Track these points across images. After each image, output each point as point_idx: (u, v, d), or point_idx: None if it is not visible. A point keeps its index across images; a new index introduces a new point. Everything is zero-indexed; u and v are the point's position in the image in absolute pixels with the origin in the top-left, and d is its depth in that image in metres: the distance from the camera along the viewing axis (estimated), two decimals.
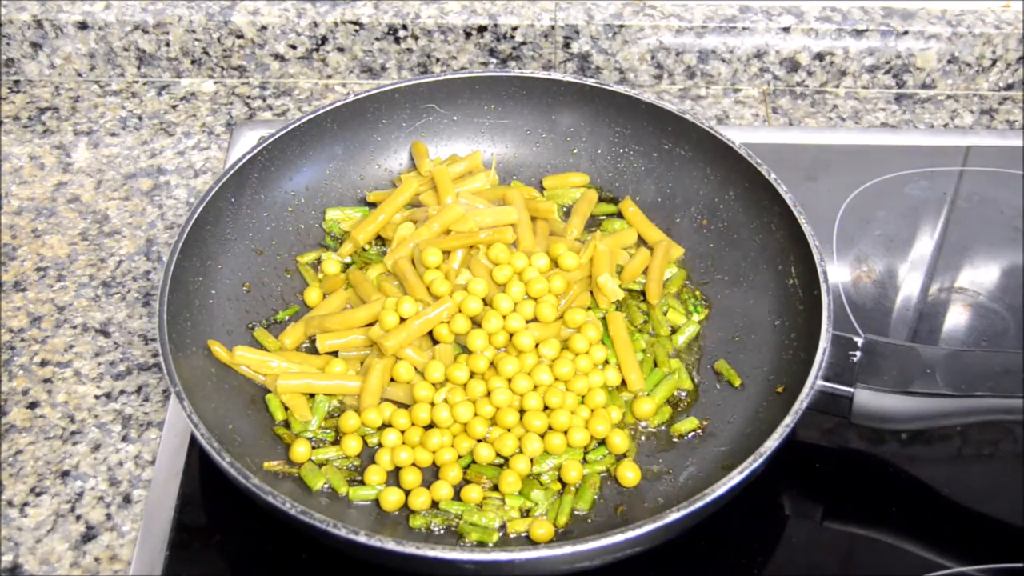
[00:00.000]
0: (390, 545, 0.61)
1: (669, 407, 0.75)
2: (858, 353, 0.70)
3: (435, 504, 0.70)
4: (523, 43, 1.00)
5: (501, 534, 0.69)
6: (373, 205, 0.86)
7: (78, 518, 0.72)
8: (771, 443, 0.65)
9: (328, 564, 0.69)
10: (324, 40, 1.00)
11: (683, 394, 0.76)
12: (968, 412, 0.69)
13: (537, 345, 0.75)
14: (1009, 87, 1.01)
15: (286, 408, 0.74)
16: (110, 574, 0.69)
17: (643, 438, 0.74)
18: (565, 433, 0.72)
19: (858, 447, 0.75)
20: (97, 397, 0.78)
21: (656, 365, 0.77)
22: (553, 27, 0.98)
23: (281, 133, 0.82)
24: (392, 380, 0.75)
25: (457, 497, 0.71)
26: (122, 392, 0.79)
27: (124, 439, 0.76)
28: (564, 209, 0.86)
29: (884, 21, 0.99)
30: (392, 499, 0.70)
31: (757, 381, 0.75)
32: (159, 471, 0.73)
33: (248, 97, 1.01)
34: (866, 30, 0.99)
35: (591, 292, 0.80)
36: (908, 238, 0.88)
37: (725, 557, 0.71)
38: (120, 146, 0.96)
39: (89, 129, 0.97)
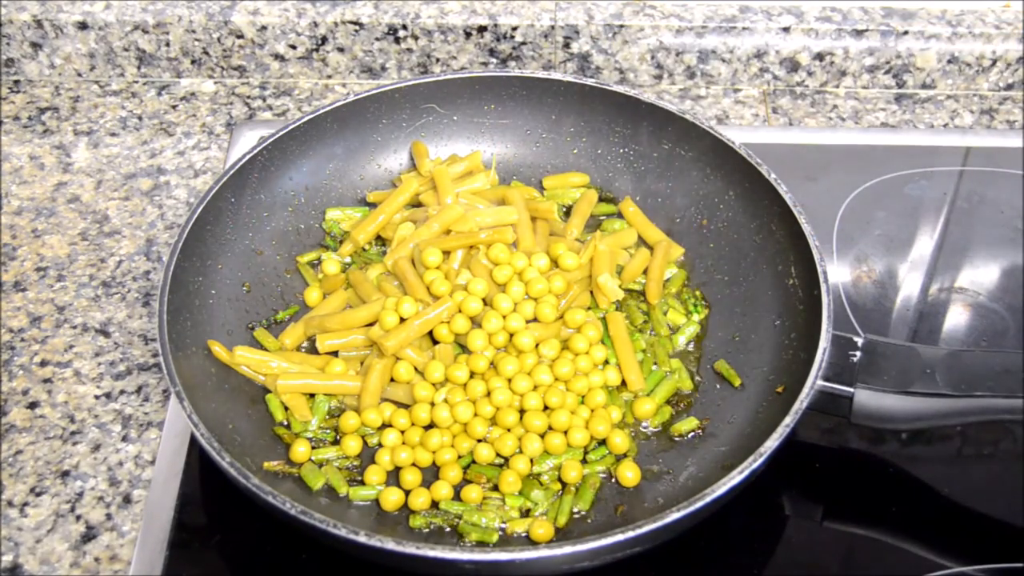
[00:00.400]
0: (390, 545, 0.61)
1: (669, 407, 0.75)
2: (858, 353, 0.70)
3: (435, 504, 0.70)
4: (523, 43, 1.00)
5: (501, 534, 0.69)
6: (373, 205, 0.86)
7: (78, 518, 0.72)
8: (771, 443, 0.65)
9: (328, 564, 0.69)
10: (324, 40, 1.00)
11: (683, 394, 0.76)
12: (968, 412, 0.69)
13: (537, 345, 0.75)
14: (1009, 87, 1.01)
15: (286, 408, 0.74)
16: (110, 574, 0.69)
17: (643, 438, 0.74)
18: (565, 433, 0.72)
19: (858, 447, 0.75)
20: (97, 397, 0.78)
21: (656, 365, 0.77)
22: (553, 27, 0.98)
23: (281, 133, 0.82)
24: (392, 380, 0.75)
25: (457, 497, 0.71)
26: (122, 392, 0.79)
27: (124, 439, 0.76)
28: (564, 209, 0.86)
29: (884, 21, 0.99)
30: (392, 499, 0.70)
31: (757, 381, 0.75)
32: (159, 471, 0.73)
33: (248, 97, 1.01)
34: (866, 30, 0.99)
35: (591, 292, 0.80)
36: (908, 238, 0.88)
37: (725, 557, 0.71)
38: (120, 146, 0.96)
39: (89, 129, 0.97)
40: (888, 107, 1.00)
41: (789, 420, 0.66)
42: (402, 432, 0.73)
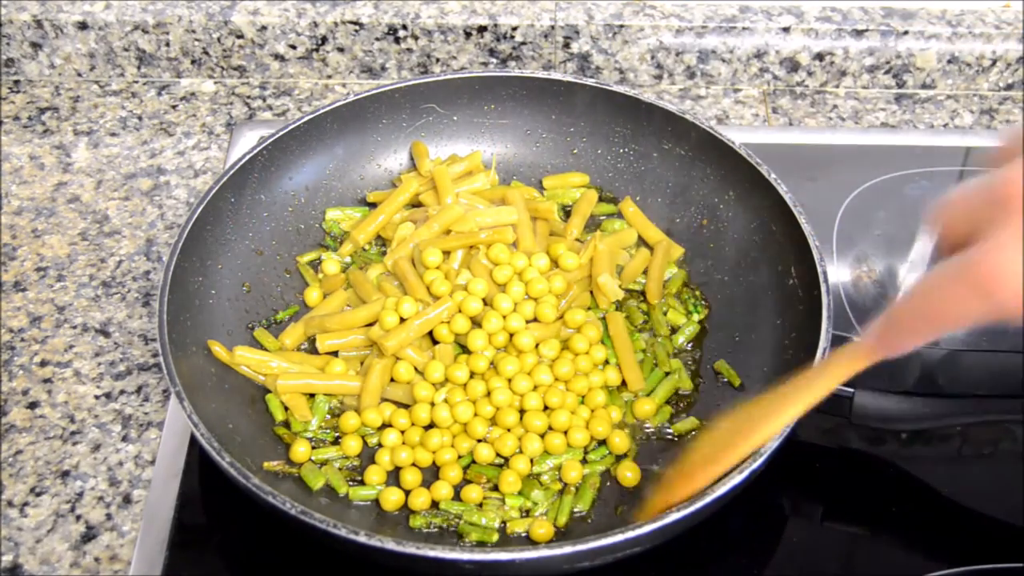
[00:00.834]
0: (390, 545, 0.61)
1: (669, 407, 0.75)
2: None
3: (435, 504, 0.70)
4: (523, 43, 1.00)
5: (501, 534, 0.69)
6: (373, 205, 0.86)
7: (78, 518, 0.72)
8: (771, 443, 0.65)
9: (328, 564, 0.69)
10: (324, 40, 1.00)
11: (683, 394, 0.76)
12: (968, 412, 0.69)
13: (537, 345, 0.75)
14: (1009, 87, 1.01)
15: (286, 408, 0.74)
16: (110, 574, 0.69)
17: (643, 438, 0.74)
18: (565, 433, 0.72)
19: (858, 447, 0.75)
20: (97, 397, 0.78)
21: (656, 365, 0.77)
22: (553, 27, 0.98)
23: (281, 133, 0.82)
24: (392, 380, 0.75)
25: (457, 497, 0.71)
26: (122, 392, 0.79)
27: (124, 439, 0.76)
28: (564, 209, 0.86)
29: (884, 21, 0.99)
30: (392, 499, 0.70)
31: (757, 381, 0.75)
32: (159, 471, 0.73)
33: (248, 97, 1.01)
34: (866, 30, 0.99)
35: (591, 292, 0.80)
36: (908, 238, 0.88)
37: (725, 557, 0.71)
38: (120, 146, 0.96)
39: (89, 129, 0.97)
40: (888, 107, 1.00)
41: None
42: (402, 432, 0.73)
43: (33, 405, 0.78)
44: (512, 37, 0.99)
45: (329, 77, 1.02)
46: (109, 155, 0.95)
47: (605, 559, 0.63)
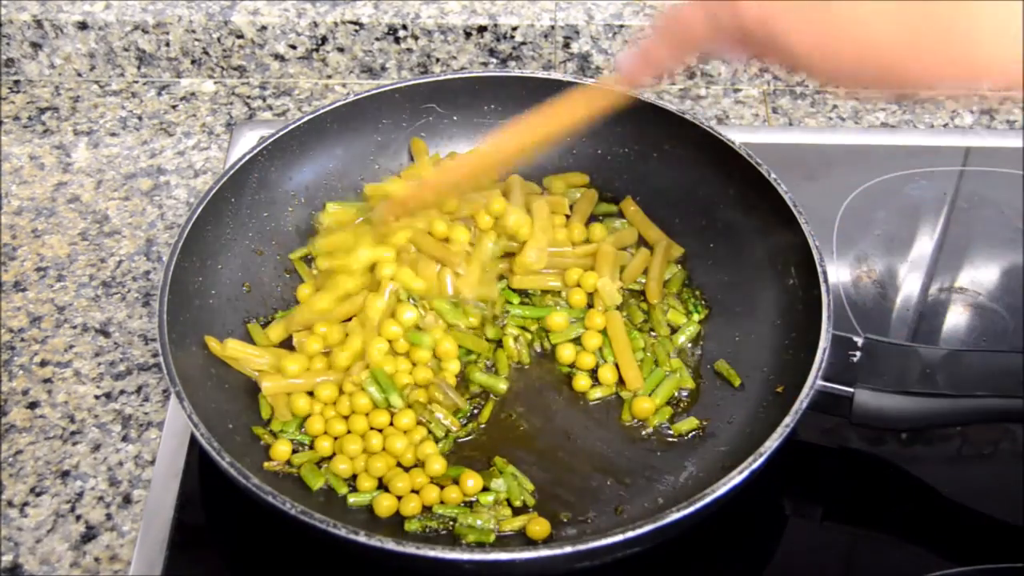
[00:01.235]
0: (390, 545, 0.61)
1: (669, 407, 0.75)
2: (858, 353, 0.70)
3: (428, 508, 0.70)
4: (523, 43, 1.00)
5: (496, 533, 0.69)
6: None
7: (78, 518, 0.72)
8: (771, 443, 0.65)
9: (328, 564, 0.69)
10: (324, 40, 1.00)
11: (683, 394, 0.76)
12: (968, 412, 0.69)
13: None
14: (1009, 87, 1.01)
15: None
16: (110, 574, 0.69)
17: (643, 438, 0.74)
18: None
19: (858, 447, 0.75)
20: (97, 397, 0.78)
21: (656, 365, 0.77)
22: (553, 27, 0.98)
23: (281, 133, 0.82)
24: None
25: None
26: (122, 392, 0.79)
27: (124, 439, 0.76)
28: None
29: None
30: (385, 504, 0.69)
31: (757, 381, 0.75)
32: (159, 471, 0.73)
33: (248, 97, 1.01)
34: None
35: (589, 294, 0.80)
36: (908, 238, 0.88)
37: (725, 557, 0.71)
38: (120, 146, 0.96)
39: (89, 129, 0.97)
40: (888, 107, 1.00)
41: (789, 420, 0.66)
42: (362, 436, 0.72)
43: (33, 405, 0.78)
44: (512, 37, 0.99)
45: (329, 77, 1.02)
46: (109, 155, 0.95)
47: (605, 559, 0.63)
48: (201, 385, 0.71)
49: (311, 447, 0.72)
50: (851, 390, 0.68)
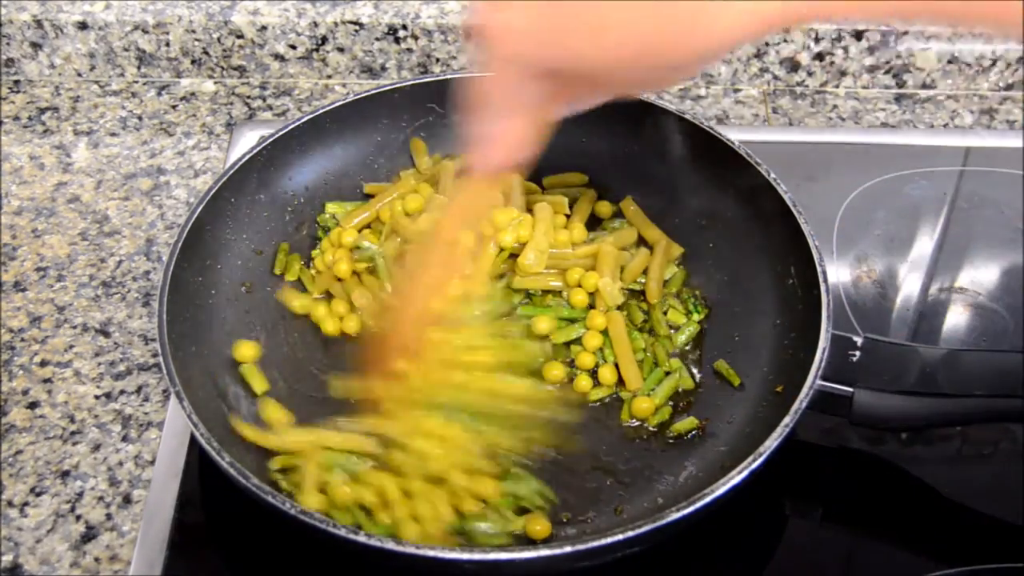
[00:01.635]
0: (390, 545, 0.61)
1: (669, 407, 0.75)
2: (858, 353, 0.70)
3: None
4: None
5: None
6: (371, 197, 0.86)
7: (78, 518, 0.72)
8: (771, 443, 0.65)
9: (328, 564, 0.69)
10: (324, 40, 1.00)
11: (683, 393, 0.76)
12: (968, 412, 0.69)
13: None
14: (1009, 87, 1.01)
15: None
16: (110, 574, 0.69)
17: (643, 438, 0.74)
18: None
19: (858, 447, 0.75)
20: (97, 397, 0.78)
21: (656, 365, 0.77)
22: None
23: (281, 133, 0.82)
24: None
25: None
26: (122, 392, 0.79)
27: (124, 439, 0.76)
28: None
29: (884, 21, 0.99)
30: (412, 532, 0.67)
31: (757, 381, 0.75)
32: (159, 471, 0.73)
33: (248, 97, 1.01)
34: (866, 30, 0.99)
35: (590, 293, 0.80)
36: (908, 238, 0.88)
37: (725, 557, 0.71)
38: (120, 146, 0.96)
39: (89, 129, 0.97)
40: (888, 107, 1.00)
41: (789, 420, 0.66)
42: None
43: (33, 405, 0.78)
44: None
45: (329, 77, 1.02)
46: (109, 155, 0.95)
47: (605, 559, 0.63)
48: (201, 385, 0.71)
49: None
50: (851, 390, 0.68)
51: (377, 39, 1.00)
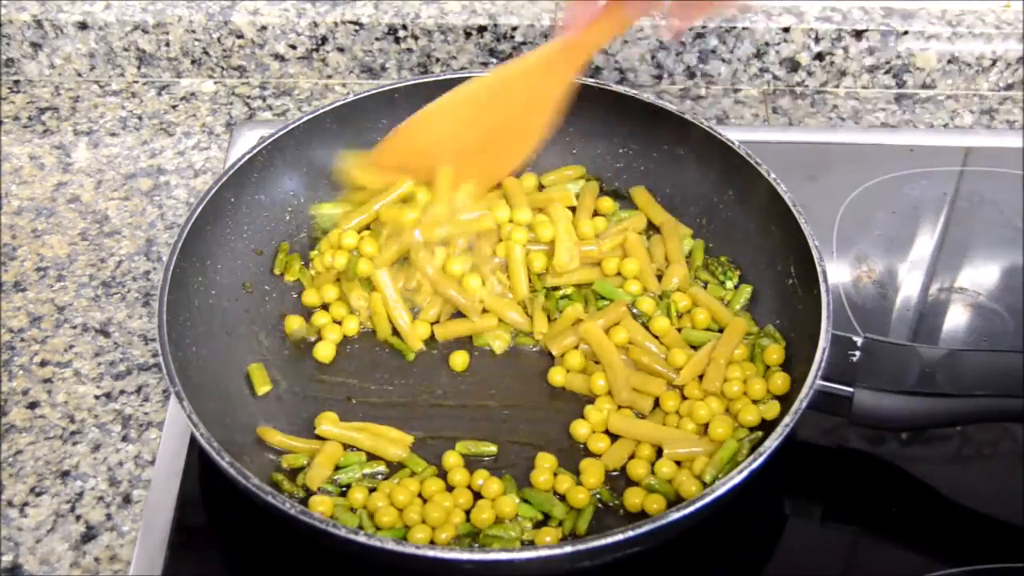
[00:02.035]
0: (390, 545, 0.61)
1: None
2: (858, 353, 0.70)
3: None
4: (523, 43, 1.00)
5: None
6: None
7: (78, 518, 0.72)
8: (771, 443, 0.65)
9: (328, 564, 0.69)
10: (324, 40, 1.00)
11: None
12: (968, 412, 0.69)
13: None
14: (1009, 87, 1.01)
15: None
16: (110, 574, 0.69)
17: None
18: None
19: (858, 447, 0.75)
20: (97, 397, 0.78)
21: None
22: (553, 27, 0.98)
23: (281, 133, 0.82)
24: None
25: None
26: (122, 392, 0.79)
27: (124, 439, 0.76)
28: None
29: (884, 21, 0.99)
30: (419, 537, 0.67)
31: None
32: (159, 471, 0.73)
33: (248, 97, 1.01)
34: (866, 30, 0.99)
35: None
36: (908, 238, 0.88)
37: (725, 557, 0.71)
38: (120, 146, 0.96)
39: (89, 129, 0.97)
40: (888, 107, 1.00)
41: (789, 420, 0.66)
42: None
43: (33, 405, 0.78)
44: (512, 37, 0.99)
45: (329, 77, 1.02)
46: (109, 155, 0.95)
47: (605, 559, 0.63)
48: (201, 385, 0.71)
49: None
50: (851, 390, 0.68)
51: (377, 39, 1.00)
